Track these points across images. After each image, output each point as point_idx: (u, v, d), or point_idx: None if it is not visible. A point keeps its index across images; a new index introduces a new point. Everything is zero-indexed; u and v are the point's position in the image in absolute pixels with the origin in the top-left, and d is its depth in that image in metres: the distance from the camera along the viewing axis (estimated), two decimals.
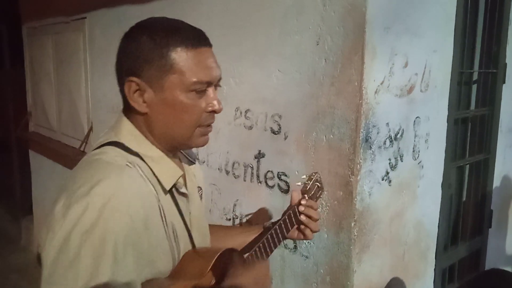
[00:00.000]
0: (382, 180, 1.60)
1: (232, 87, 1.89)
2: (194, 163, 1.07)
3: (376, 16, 1.44)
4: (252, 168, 1.85)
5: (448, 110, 1.88)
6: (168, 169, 0.90)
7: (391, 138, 1.60)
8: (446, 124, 1.89)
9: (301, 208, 1.11)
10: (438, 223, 1.94)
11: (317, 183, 1.21)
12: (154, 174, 0.87)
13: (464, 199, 2.28)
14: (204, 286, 0.88)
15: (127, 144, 0.87)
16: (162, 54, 0.83)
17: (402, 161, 1.67)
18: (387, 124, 1.57)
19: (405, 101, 1.64)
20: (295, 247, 1.71)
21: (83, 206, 0.73)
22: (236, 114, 1.90)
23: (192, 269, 0.88)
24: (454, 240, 2.17)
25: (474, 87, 2.20)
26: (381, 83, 1.51)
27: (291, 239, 1.18)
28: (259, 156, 1.81)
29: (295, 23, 1.62)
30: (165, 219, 0.86)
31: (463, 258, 2.24)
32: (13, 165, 4.57)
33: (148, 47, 0.83)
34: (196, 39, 0.86)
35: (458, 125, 2.08)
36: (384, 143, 1.58)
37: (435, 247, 1.96)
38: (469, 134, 2.18)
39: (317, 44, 1.55)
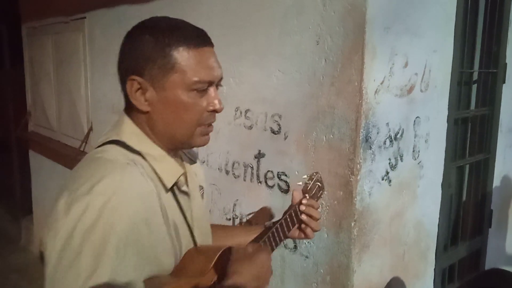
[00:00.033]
0: (382, 180, 1.60)
1: (232, 87, 1.89)
2: (195, 162, 1.07)
3: (376, 16, 1.44)
4: (252, 168, 1.85)
5: (448, 110, 1.88)
6: (169, 168, 0.90)
7: (391, 138, 1.60)
8: (446, 124, 1.89)
9: (302, 208, 1.13)
10: (438, 223, 1.95)
11: (318, 183, 1.23)
12: (155, 172, 0.87)
13: (464, 199, 2.28)
14: (206, 283, 0.88)
15: (128, 142, 0.87)
16: (164, 53, 0.84)
17: (402, 161, 1.67)
18: (387, 124, 1.57)
19: (405, 101, 1.64)
20: (295, 247, 1.71)
21: (84, 205, 0.73)
22: (236, 114, 1.90)
23: (194, 267, 0.89)
24: (454, 240, 2.18)
25: (474, 87, 2.20)
26: (381, 83, 1.51)
27: (292, 238, 1.19)
28: (259, 156, 1.81)
29: (295, 23, 1.62)
30: (167, 217, 0.87)
31: (463, 258, 2.24)
32: (13, 165, 4.57)
33: (150, 46, 0.84)
34: (198, 38, 0.87)
35: (458, 125, 2.08)
36: (384, 143, 1.58)
37: (435, 247, 1.96)
38: (469, 134, 2.18)
39: (317, 44, 1.55)
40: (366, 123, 1.48)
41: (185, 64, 0.84)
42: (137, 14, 2.33)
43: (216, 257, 0.89)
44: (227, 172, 1.97)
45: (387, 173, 1.62)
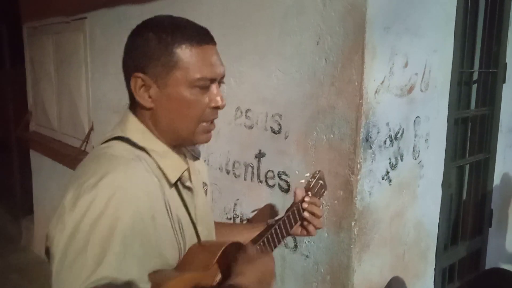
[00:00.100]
0: (382, 179, 1.60)
1: (232, 87, 1.90)
2: (199, 159, 1.09)
3: (376, 16, 1.44)
4: (252, 167, 1.85)
5: (448, 110, 1.89)
6: (173, 163, 0.92)
7: (391, 137, 1.61)
8: (446, 124, 1.89)
9: (305, 205, 1.15)
10: (438, 223, 1.95)
11: (320, 181, 1.25)
12: (159, 167, 0.89)
13: (464, 198, 2.28)
14: (209, 278, 0.89)
15: (133, 138, 0.89)
16: (167, 50, 0.85)
17: (402, 160, 1.67)
18: (387, 123, 1.57)
19: (405, 101, 1.64)
20: (296, 246, 1.72)
21: (90, 198, 0.74)
22: (236, 114, 1.90)
23: (198, 262, 0.90)
24: (454, 240, 2.18)
25: (474, 87, 2.21)
26: (381, 83, 1.51)
27: (294, 235, 1.20)
28: (260, 155, 1.82)
29: (295, 23, 1.62)
30: (171, 212, 0.88)
31: (463, 257, 2.24)
32: (13, 165, 4.57)
33: (154, 44, 0.85)
34: (201, 36, 0.88)
35: (458, 125, 2.08)
36: (384, 142, 1.58)
37: (435, 247, 1.96)
38: (469, 134, 2.18)
39: (317, 44, 1.55)
40: (366, 122, 1.48)
41: (187, 61, 0.86)
42: (137, 14, 2.34)
43: (220, 252, 0.90)
44: (227, 172, 1.97)
45: (387, 172, 1.62)
